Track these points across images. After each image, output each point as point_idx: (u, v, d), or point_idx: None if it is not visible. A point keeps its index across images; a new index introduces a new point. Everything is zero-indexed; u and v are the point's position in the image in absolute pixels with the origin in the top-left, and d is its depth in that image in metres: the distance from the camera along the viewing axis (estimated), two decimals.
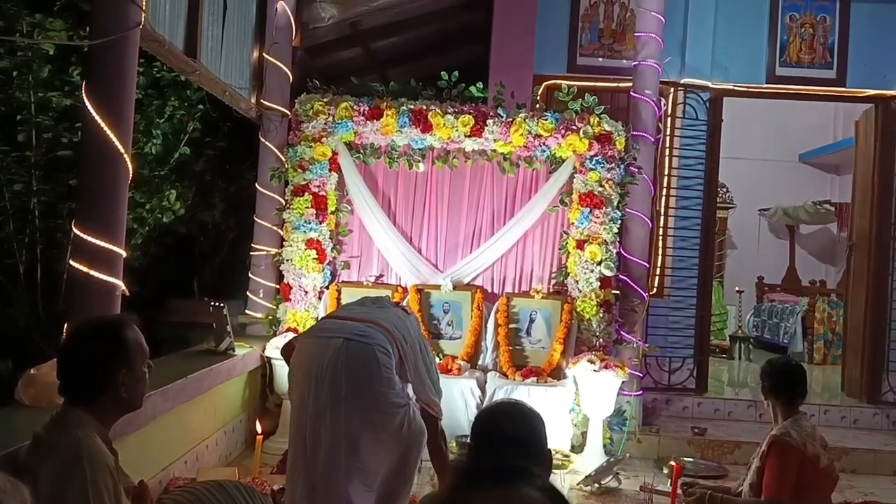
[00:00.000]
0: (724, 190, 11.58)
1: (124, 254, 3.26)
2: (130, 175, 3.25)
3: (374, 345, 3.18)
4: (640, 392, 6.07)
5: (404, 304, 3.94)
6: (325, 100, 5.82)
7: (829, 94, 7.08)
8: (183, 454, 4.09)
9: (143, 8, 3.26)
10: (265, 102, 5.93)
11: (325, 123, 5.78)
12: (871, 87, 6.92)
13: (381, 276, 6.07)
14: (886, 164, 6.90)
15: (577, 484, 4.96)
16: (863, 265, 7.13)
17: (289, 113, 5.94)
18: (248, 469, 4.48)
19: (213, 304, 4.90)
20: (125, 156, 3.19)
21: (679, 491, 4.38)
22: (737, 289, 10.53)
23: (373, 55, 8.15)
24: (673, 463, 4.89)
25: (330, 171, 5.86)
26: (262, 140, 5.96)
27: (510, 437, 2.15)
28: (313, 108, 5.79)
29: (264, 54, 5.94)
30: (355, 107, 5.79)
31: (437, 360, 5.58)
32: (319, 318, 3.58)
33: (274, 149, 5.94)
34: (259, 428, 4.26)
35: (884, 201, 6.91)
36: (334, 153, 5.85)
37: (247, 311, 5.90)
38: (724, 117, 8.62)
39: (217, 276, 7.19)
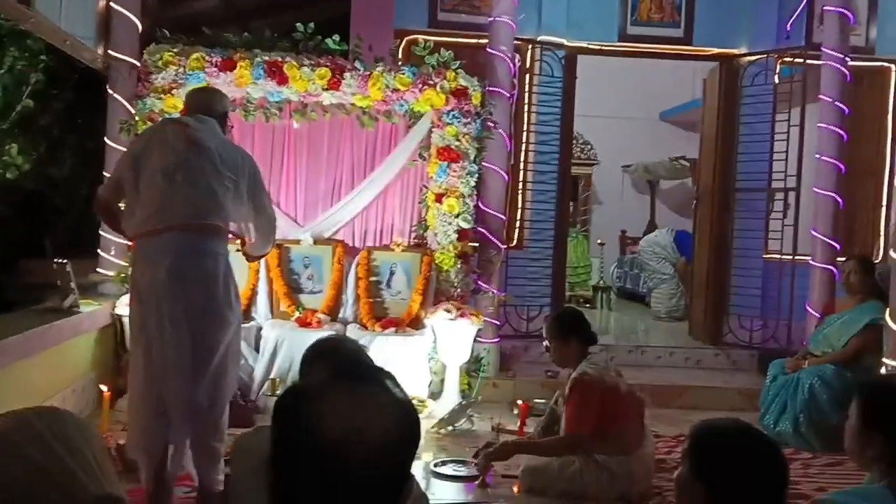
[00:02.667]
0: (589, 147, 12.00)
1: None
2: None
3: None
4: (498, 339, 6.30)
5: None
6: (175, 50, 5.66)
7: (676, 52, 7.41)
8: None
9: None
10: (112, 53, 5.71)
11: (176, 75, 5.63)
12: (716, 45, 7.29)
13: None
14: (729, 121, 7.31)
15: (432, 427, 5.13)
16: (706, 217, 7.57)
17: (138, 64, 5.75)
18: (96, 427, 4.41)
19: (55, 261, 4.76)
20: None
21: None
22: (598, 241, 10.97)
23: (232, 6, 7.94)
24: (520, 402, 5.18)
25: None
26: (111, 92, 5.75)
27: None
28: (163, 59, 5.62)
29: (111, 3, 5.70)
30: (207, 58, 5.66)
31: (297, 314, 5.67)
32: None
33: (123, 101, 5.74)
34: (105, 387, 4.21)
35: (727, 156, 7.33)
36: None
37: (98, 270, 5.74)
38: (589, 76, 8.93)
39: (71, 234, 6.92)
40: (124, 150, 5.65)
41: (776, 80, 6.94)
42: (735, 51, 7.24)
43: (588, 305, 10.48)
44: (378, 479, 1.14)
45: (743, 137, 7.18)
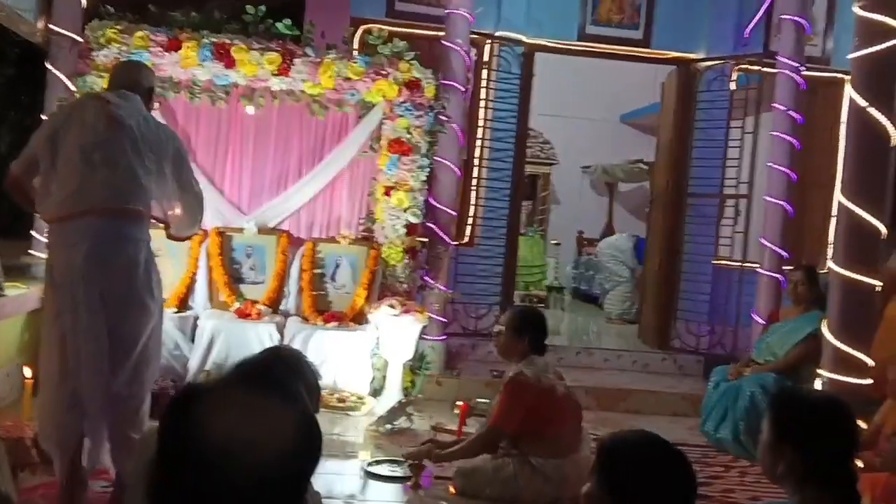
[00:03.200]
0: (549, 146, 11.96)
1: None
2: None
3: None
4: (444, 337, 6.21)
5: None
6: (119, 27, 5.47)
7: (635, 54, 7.37)
8: None
9: None
10: (53, 27, 5.49)
11: (119, 53, 5.43)
12: (674, 49, 7.26)
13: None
14: (686, 125, 7.29)
15: (371, 425, 5.03)
16: (659, 221, 7.56)
17: (80, 40, 5.54)
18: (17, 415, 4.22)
19: None
20: None
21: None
22: (554, 241, 10.95)
23: None
24: (460, 403, 5.08)
25: None
26: (50, 68, 5.53)
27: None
28: (105, 36, 5.43)
29: None
30: (152, 37, 5.48)
31: (237, 304, 5.52)
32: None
33: (63, 77, 5.51)
34: (29, 372, 4.04)
35: (682, 160, 7.31)
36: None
37: (30, 252, 5.52)
38: (551, 74, 8.89)
39: (8, 214, 6.66)
40: None
41: (732, 87, 6.94)
42: (693, 55, 7.22)
43: (542, 305, 10.44)
44: (265, 493, 1.06)
45: (697, 143, 7.17)
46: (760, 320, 6.07)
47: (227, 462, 1.03)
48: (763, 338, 5.52)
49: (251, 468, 1.04)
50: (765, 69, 6.67)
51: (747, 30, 6.69)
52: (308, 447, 1.11)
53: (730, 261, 6.96)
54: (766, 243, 6.25)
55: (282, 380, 1.18)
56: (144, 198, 3.30)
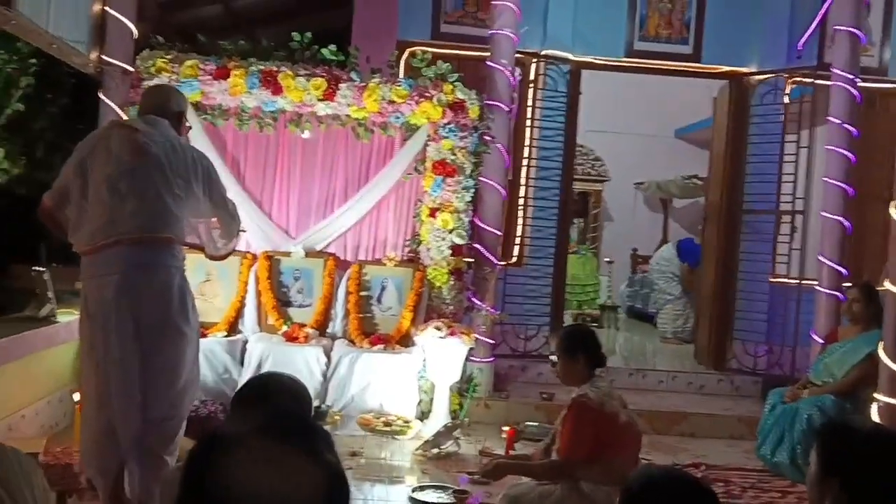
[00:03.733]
0: (600, 163, 11.83)
1: None
2: None
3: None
4: (492, 359, 6.15)
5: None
6: (168, 57, 5.59)
7: (684, 69, 7.25)
8: None
9: None
10: (105, 58, 5.63)
11: (169, 82, 5.54)
12: (726, 63, 7.12)
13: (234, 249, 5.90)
14: (739, 140, 7.13)
15: (417, 449, 4.99)
16: (713, 238, 7.39)
17: (131, 70, 5.67)
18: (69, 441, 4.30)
19: (34, 269, 4.67)
20: None
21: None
22: (607, 259, 10.80)
23: (236, 14, 7.88)
24: (506, 428, 5.01)
25: None
26: (103, 97, 5.67)
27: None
28: (156, 66, 5.56)
29: (105, 7, 5.63)
30: (201, 66, 5.58)
31: (285, 327, 5.55)
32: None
33: (115, 107, 5.65)
34: (77, 397, 4.10)
35: (735, 176, 7.15)
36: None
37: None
38: (601, 90, 8.82)
39: (60, 241, 6.85)
40: None
41: (786, 100, 6.76)
42: (745, 69, 7.06)
43: (595, 325, 10.29)
44: None
45: (752, 158, 7.00)
46: (819, 340, 5.86)
47: None
48: (821, 358, 5.33)
49: None
50: (819, 82, 6.49)
51: (801, 42, 6.52)
52: (334, 500, 1.07)
53: (787, 278, 6.75)
54: (823, 260, 6.05)
55: (305, 426, 1.14)
56: (175, 225, 3.34)
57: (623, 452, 3.85)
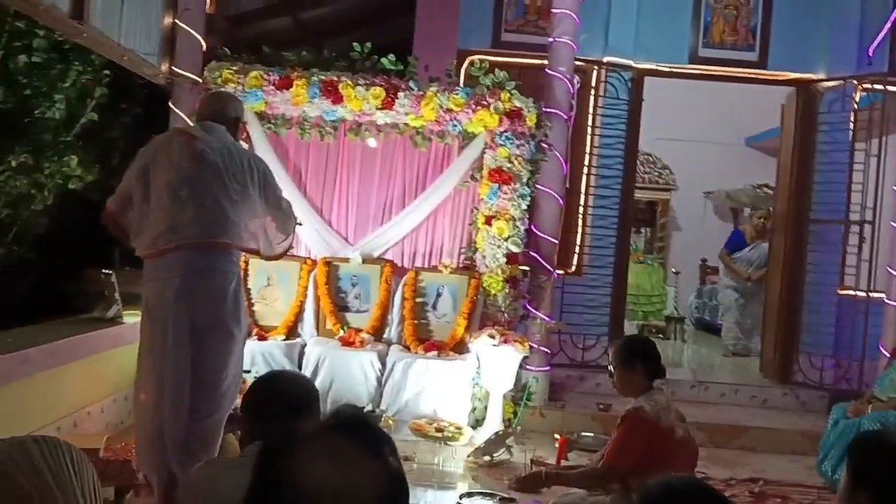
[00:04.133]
0: (667, 171, 11.67)
1: None
2: None
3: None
4: (548, 367, 6.13)
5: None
6: (234, 68, 5.77)
7: (750, 76, 7.10)
8: (56, 420, 4.08)
9: None
10: (176, 70, 5.85)
11: (235, 92, 5.71)
12: (793, 70, 6.95)
13: (291, 247, 6.04)
14: (806, 149, 6.96)
15: (469, 456, 5.01)
16: (780, 248, 7.21)
17: (200, 80, 5.88)
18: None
19: (102, 271, 4.89)
20: None
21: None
22: (673, 270, 10.62)
23: (304, 26, 8.07)
24: (557, 436, 4.98)
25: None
26: (172, 108, 5.89)
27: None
28: (222, 77, 5.74)
29: (176, 20, 5.85)
30: (265, 76, 5.74)
31: (342, 332, 5.65)
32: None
33: (184, 116, 5.86)
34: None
35: (802, 185, 6.97)
36: (244, 123, 5.79)
37: None
38: (670, 98, 8.72)
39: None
40: None
41: (855, 108, 6.56)
42: (812, 76, 6.88)
43: (661, 336, 10.13)
44: None
45: (820, 166, 6.82)
46: (887, 354, 5.66)
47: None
48: (887, 373, 5.14)
49: None
50: (890, 88, 6.28)
51: (871, 48, 6.33)
52: (396, 500, 1.12)
53: (855, 290, 6.54)
54: (893, 272, 5.85)
55: (374, 432, 1.19)
56: (232, 230, 3.45)
57: (677, 467, 3.76)
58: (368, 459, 1.10)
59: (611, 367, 3.86)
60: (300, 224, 4.22)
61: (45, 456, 1.84)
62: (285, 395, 2.19)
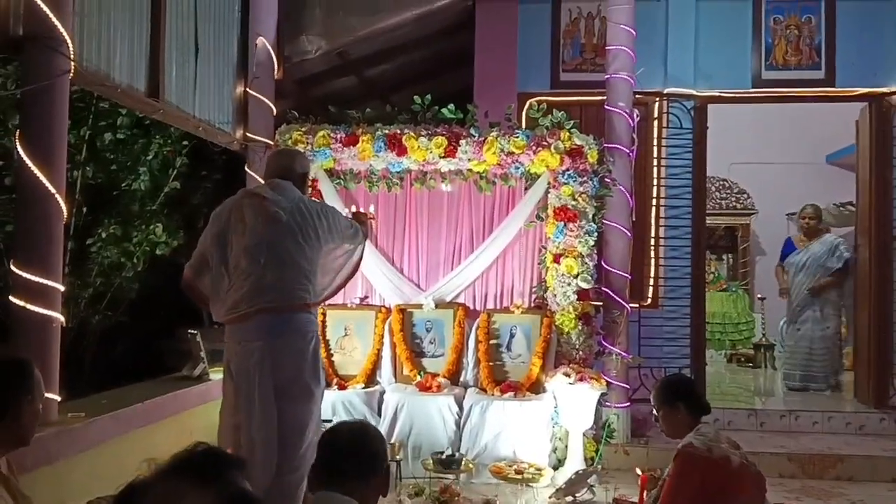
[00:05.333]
0: (745, 196, 11.45)
1: (62, 288, 3.47)
2: (64, 214, 3.47)
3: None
4: (628, 403, 6.06)
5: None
6: (303, 129, 6.03)
7: (818, 95, 6.98)
8: None
9: (72, 57, 3.48)
10: (250, 135, 6.15)
11: (305, 151, 5.96)
12: (862, 85, 6.81)
13: (366, 297, 6.22)
14: (882, 163, 6.78)
15: (551, 497, 5.00)
16: (866, 267, 6.98)
17: (272, 143, 6.15)
18: None
19: (189, 331, 5.13)
20: (57, 196, 3.41)
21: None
22: (759, 296, 10.35)
23: (369, 83, 8.35)
24: (639, 471, 4.92)
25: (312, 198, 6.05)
26: (248, 171, 6.18)
27: (344, 447, 2.29)
28: (292, 138, 6.00)
29: (248, 90, 6.17)
30: (332, 134, 5.97)
31: (419, 377, 5.74)
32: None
33: (259, 179, 6.12)
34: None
35: (882, 201, 6.77)
36: (314, 180, 6.03)
37: None
38: (742, 121, 8.61)
39: None
40: None
41: None
42: (884, 89, 6.71)
43: (750, 364, 9.88)
44: None
45: None
46: None
47: None
48: None
49: None
50: None
51: None
52: None
53: None
54: None
55: (210, 464, 1.28)
56: (311, 288, 3.59)
57: (742, 496, 3.70)
58: (196, 490, 1.18)
59: (655, 412, 3.84)
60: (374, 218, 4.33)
61: None
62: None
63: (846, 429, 6.50)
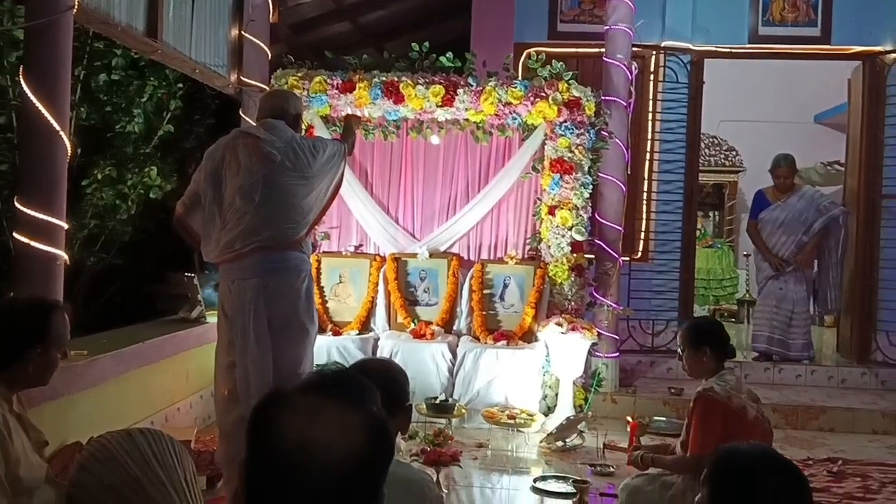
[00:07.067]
0: (734, 153, 11.50)
1: (65, 226, 3.47)
2: (69, 151, 3.45)
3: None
4: (617, 354, 6.17)
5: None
6: (299, 74, 5.97)
7: (813, 52, 7.00)
8: (149, 415, 4.33)
9: None
10: (244, 79, 6.09)
11: (301, 97, 5.91)
12: (858, 43, 6.82)
13: (360, 245, 6.24)
14: (874, 123, 6.83)
15: (541, 441, 5.11)
16: (852, 225, 7.06)
17: (267, 88, 6.09)
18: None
19: (185, 274, 5.14)
20: (62, 133, 3.39)
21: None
22: (744, 253, 10.47)
23: (364, 29, 8.26)
24: (629, 419, 5.02)
25: None
26: (242, 116, 6.13)
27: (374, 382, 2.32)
28: (288, 83, 5.95)
29: (242, 32, 6.09)
30: (329, 80, 5.92)
31: (413, 325, 5.80)
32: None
33: (253, 124, 6.09)
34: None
35: (872, 160, 6.85)
36: (310, 127, 6.00)
37: None
38: (734, 79, 8.59)
39: None
40: None
41: None
42: (879, 48, 6.74)
43: (733, 320, 10.02)
44: (338, 492, 1.16)
45: (890, 140, 6.68)
46: None
47: (302, 461, 1.15)
48: None
49: (322, 468, 1.15)
50: None
51: None
52: (375, 449, 1.21)
53: None
54: None
55: (354, 387, 1.29)
56: (305, 222, 3.62)
57: None
58: (342, 410, 1.18)
59: (679, 351, 3.91)
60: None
61: (150, 445, 2.02)
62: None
63: (828, 382, 6.65)
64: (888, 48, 6.72)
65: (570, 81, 5.80)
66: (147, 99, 6.12)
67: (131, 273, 6.75)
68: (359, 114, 5.92)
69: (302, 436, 1.16)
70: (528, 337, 5.75)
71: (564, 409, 5.51)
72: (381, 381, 2.35)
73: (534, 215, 6.05)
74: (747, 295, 10.20)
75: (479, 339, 5.76)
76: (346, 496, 1.17)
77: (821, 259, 6.89)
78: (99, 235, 6.31)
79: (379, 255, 6.15)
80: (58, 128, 3.37)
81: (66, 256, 3.48)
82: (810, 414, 5.94)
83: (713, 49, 6.94)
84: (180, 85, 6.22)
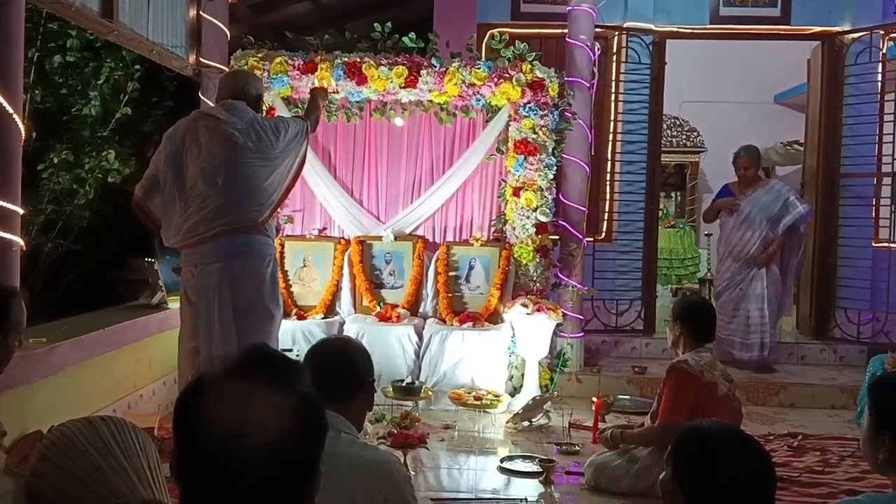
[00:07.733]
0: (695, 134, 11.60)
1: (21, 211, 3.38)
2: (23, 135, 3.36)
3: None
4: (582, 334, 6.21)
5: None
6: (259, 55, 5.88)
7: (773, 32, 7.06)
8: (112, 402, 4.27)
9: None
10: (203, 60, 5.98)
11: (262, 78, 5.83)
12: (817, 24, 6.90)
13: (324, 228, 6.19)
14: (833, 103, 6.92)
15: (508, 422, 5.13)
16: (812, 204, 7.16)
17: (226, 69, 5.99)
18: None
19: (146, 260, 5.06)
20: (15, 116, 3.30)
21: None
22: (706, 233, 10.58)
23: (325, 10, 8.16)
24: (594, 399, 5.08)
25: None
26: (202, 98, 6.03)
27: (330, 363, 2.30)
28: (248, 64, 5.86)
29: (201, 12, 5.97)
30: (290, 61, 5.84)
31: (379, 308, 5.78)
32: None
33: (212, 105, 6.00)
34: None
35: (830, 140, 6.94)
36: (272, 108, 5.91)
37: None
38: (695, 59, 8.65)
39: None
40: None
41: (882, 58, 6.50)
42: (837, 28, 6.82)
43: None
44: (273, 476, 1.15)
45: (848, 120, 6.78)
46: None
47: (231, 447, 1.13)
48: None
49: (250, 450, 1.13)
50: None
51: None
52: (307, 427, 1.19)
53: (889, 243, 6.51)
54: None
55: (279, 367, 1.26)
56: (268, 204, 3.57)
57: None
58: (273, 394, 1.16)
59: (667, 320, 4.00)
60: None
61: (113, 433, 1.98)
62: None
63: (788, 359, 6.76)
64: (846, 28, 6.80)
65: (534, 62, 5.78)
66: (104, 81, 5.98)
67: (90, 259, 6.62)
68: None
69: (229, 422, 1.14)
70: (494, 318, 5.76)
71: (530, 390, 5.54)
72: (337, 360, 2.34)
73: (499, 197, 6.04)
74: (709, 274, 10.34)
75: (444, 322, 5.76)
76: (283, 478, 1.15)
77: (781, 259, 6.46)
78: (56, 221, 6.18)
79: (343, 238, 6.11)
80: (11, 111, 3.28)
81: (22, 242, 3.40)
82: (771, 390, 6.04)
83: (675, 30, 6.97)
84: (137, 66, 6.09)
